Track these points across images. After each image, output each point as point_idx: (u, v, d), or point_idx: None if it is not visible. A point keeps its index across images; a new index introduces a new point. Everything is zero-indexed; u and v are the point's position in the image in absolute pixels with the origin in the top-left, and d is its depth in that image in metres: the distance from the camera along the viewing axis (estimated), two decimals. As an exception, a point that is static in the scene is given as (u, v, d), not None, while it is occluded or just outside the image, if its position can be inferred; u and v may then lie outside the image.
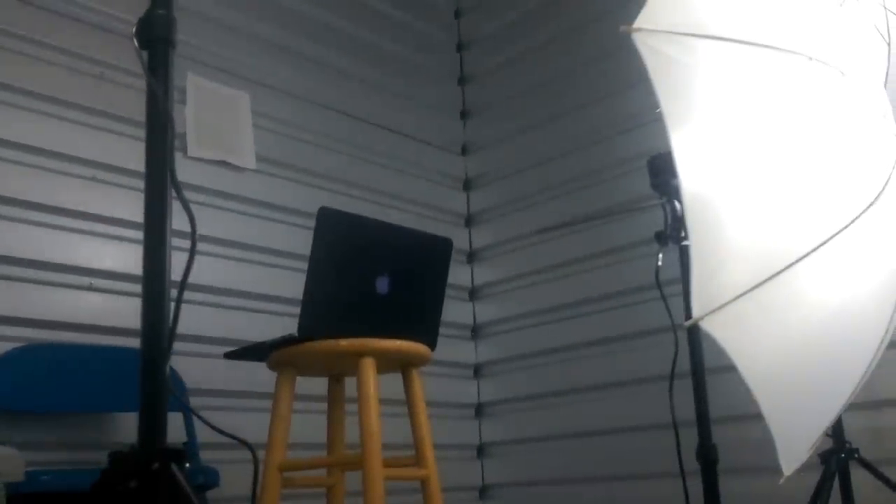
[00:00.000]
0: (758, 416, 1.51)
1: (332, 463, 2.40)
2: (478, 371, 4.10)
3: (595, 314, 3.65)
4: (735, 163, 1.69)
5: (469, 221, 4.25)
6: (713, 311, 1.46)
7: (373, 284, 2.22)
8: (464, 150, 4.33)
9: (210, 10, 3.38)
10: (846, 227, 1.73)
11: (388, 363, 2.31)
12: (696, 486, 2.04)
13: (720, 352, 1.60)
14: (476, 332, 4.13)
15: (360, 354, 2.16)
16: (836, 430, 2.22)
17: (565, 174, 3.84)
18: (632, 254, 3.49)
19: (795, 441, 1.50)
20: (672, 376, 1.82)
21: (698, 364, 1.81)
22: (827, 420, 1.56)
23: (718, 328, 1.48)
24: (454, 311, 4.01)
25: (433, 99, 4.25)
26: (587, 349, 3.67)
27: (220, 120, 3.29)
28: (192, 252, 1.34)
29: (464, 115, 4.37)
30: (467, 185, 4.28)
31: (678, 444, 1.76)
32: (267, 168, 3.41)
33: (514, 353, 3.95)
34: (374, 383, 2.16)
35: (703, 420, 1.75)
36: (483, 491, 3.98)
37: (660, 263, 1.89)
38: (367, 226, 2.23)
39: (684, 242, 1.96)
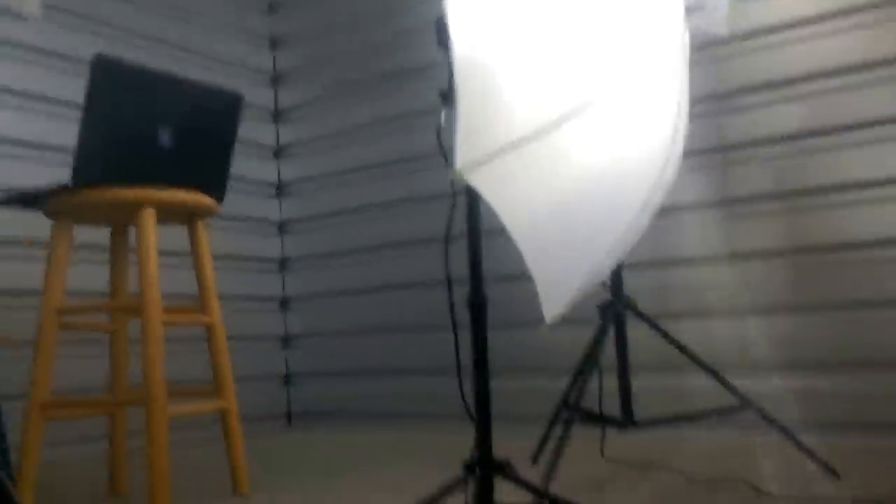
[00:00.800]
0: (528, 277, 1.63)
1: (112, 307, 2.45)
2: (282, 228, 4.18)
3: (388, 178, 3.78)
4: (510, 20, 1.76)
5: (276, 81, 4.25)
6: (478, 165, 1.54)
7: (154, 136, 2.23)
8: (270, 8, 4.27)
9: None
10: (615, 90, 1.83)
11: (173, 215, 2.35)
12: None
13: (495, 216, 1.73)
14: (281, 190, 4.20)
15: (139, 205, 2.19)
16: (615, 285, 2.39)
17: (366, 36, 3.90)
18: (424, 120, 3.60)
19: (556, 289, 1.58)
20: (447, 235, 1.91)
21: (474, 223, 1.90)
22: (587, 272, 1.63)
23: (483, 182, 1.57)
24: (259, 168, 4.08)
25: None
26: (384, 210, 3.81)
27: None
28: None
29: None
30: (273, 45, 4.26)
31: (450, 296, 1.87)
32: (52, 15, 3.29)
33: (318, 211, 4.07)
34: (152, 233, 2.20)
35: (475, 274, 1.86)
36: (286, 340, 4.14)
37: (443, 123, 1.94)
38: (148, 76, 2.22)
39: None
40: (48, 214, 2.28)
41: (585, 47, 1.87)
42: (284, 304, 4.15)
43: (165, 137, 2.25)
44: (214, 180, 2.42)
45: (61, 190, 2.15)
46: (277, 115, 4.23)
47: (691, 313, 3.00)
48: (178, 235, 2.46)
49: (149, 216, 2.19)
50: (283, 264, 4.18)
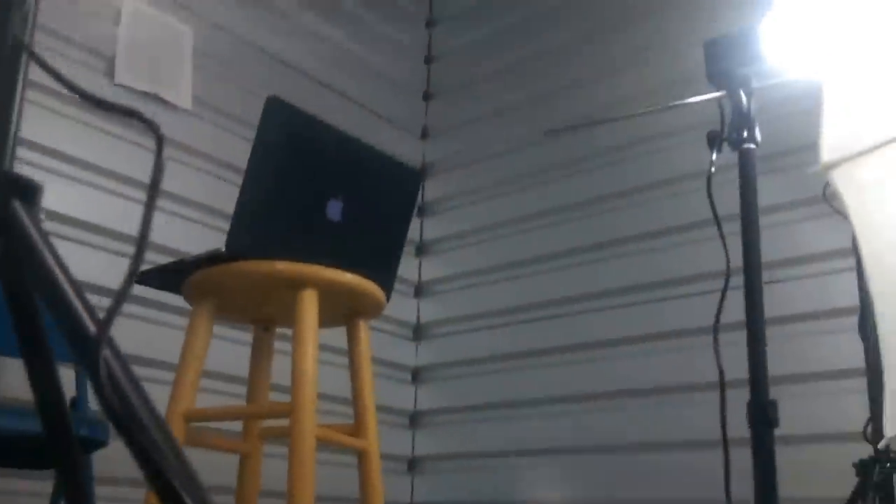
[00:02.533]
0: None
1: (252, 413, 1.99)
2: (417, 333, 3.68)
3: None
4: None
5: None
6: (849, 159, 1.11)
7: (323, 205, 1.83)
8: (423, 134, 3.96)
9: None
10: None
11: (333, 308, 1.91)
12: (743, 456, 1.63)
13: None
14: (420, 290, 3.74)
15: (300, 284, 1.77)
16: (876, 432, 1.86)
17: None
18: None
19: None
20: (717, 323, 1.49)
21: (755, 301, 1.48)
22: None
23: (850, 187, 1.14)
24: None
25: (396, 74, 3.88)
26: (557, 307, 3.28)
27: (156, 51, 2.89)
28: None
29: (427, 96, 4.01)
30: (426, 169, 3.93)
31: (723, 405, 1.42)
32: (202, 111, 3.01)
33: (461, 313, 3.56)
34: (314, 320, 1.76)
35: (757, 372, 1.40)
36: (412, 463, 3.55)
37: (713, 170, 1.54)
38: (326, 131, 1.83)
39: (746, 145, 1.57)
40: (188, 295, 1.87)
41: None
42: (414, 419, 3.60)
43: (335, 209, 1.85)
44: (382, 272, 1.99)
45: (212, 258, 1.74)
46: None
47: None
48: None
49: (310, 300, 1.76)
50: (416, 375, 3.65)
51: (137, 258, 0.71)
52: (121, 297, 0.69)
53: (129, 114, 0.80)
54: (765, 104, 1.73)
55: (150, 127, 0.78)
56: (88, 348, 0.70)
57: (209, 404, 2.16)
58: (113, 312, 0.69)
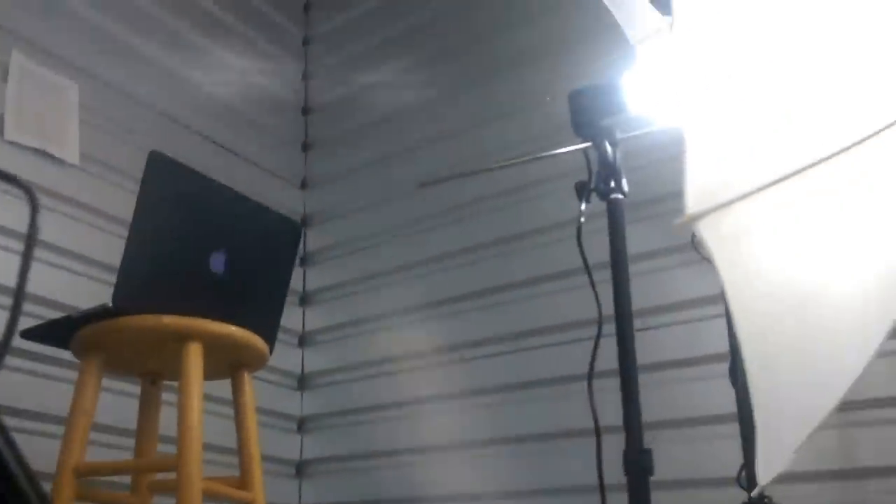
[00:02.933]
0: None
1: (140, 467, 2.03)
2: (302, 383, 3.72)
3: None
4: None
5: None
6: (714, 209, 1.15)
7: (207, 259, 1.90)
8: (303, 184, 4.02)
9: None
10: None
11: (218, 360, 1.97)
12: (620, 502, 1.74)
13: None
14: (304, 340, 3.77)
15: (186, 338, 1.83)
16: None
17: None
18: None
19: (782, 436, 1.16)
20: (591, 371, 1.54)
21: (627, 348, 1.51)
22: (816, 419, 1.15)
23: (716, 237, 1.17)
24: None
25: (275, 125, 3.95)
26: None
27: (44, 107, 2.91)
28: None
29: (306, 147, 4.08)
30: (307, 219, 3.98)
31: (599, 451, 1.47)
32: (90, 166, 3.03)
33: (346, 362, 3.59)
34: (199, 373, 1.82)
35: (631, 421, 1.44)
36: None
37: (582, 220, 1.59)
38: (208, 185, 1.91)
39: (613, 195, 1.61)
40: (76, 350, 1.91)
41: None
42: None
43: (218, 262, 1.92)
44: (265, 324, 2.06)
45: (99, 314, 1.79)
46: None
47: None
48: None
49: (195, 353, 1.83)
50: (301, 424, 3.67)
51: (14, 314, 0.77)
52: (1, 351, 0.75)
53: (7, 179, 0.87)
54: (632, 151, 1.78)
55: (28, 192, 0.85)
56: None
57: (100, 457, 2.18)
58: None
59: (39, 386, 2.62)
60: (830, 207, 1.34)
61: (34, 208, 0.81)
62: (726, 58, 1.41)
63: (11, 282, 2.64)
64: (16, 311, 0.76)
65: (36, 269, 2.65)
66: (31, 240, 0.79)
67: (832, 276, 1.32)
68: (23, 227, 2.73)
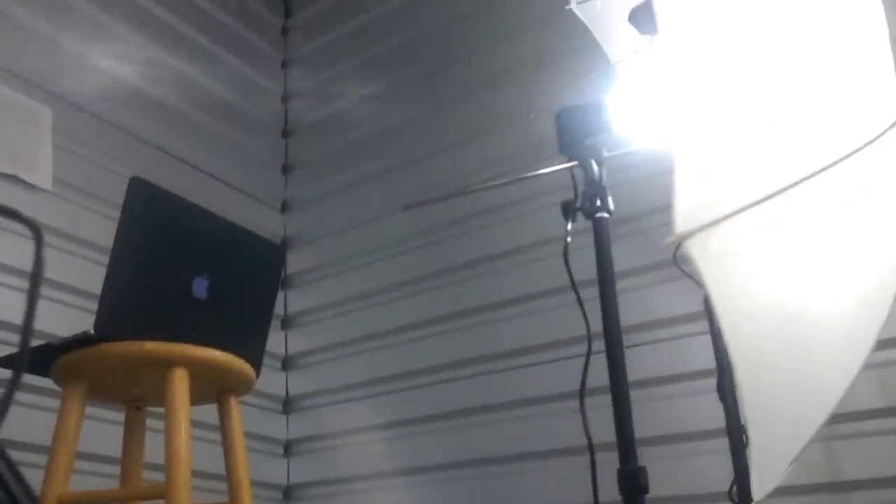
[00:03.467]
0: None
1: (127, 496, 2.00)
2: (287, 406, 3.70)
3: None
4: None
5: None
6: (701, 228, 1.14)
7: (189, 284, 1.89)
8: (284, 207, 4.01)
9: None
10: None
11: (203, 386, 1.95)
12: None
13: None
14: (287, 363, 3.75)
15: (170, 364, 1.81)
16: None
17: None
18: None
19: (775, 452, 1.17)
20: (583, 387, 1.53)
21: (619, 370, 1.51)
22: (807, 434, 1.19)
23: (705, 256, 1.14)
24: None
25: (255, 148, 3.94)
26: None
27: (15, 131, 2.89)
28: None
29: (286, 169, 4.07)
30: (288, 242, 3.97)
31: (593, 468, 1.45)
32: (63, 192, 3.00)
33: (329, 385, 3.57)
34: (185, 399, 1.80)
35: (625, 441, 1.44)
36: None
37: (569, 240, 1.58)
38: (188, 210, 1.90)
39: (599, 214, 1.61)
40: (57, 378, 1.88)
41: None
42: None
43: (201, 287, 1.90)
44: (251, 348, 2.05)
45: (80, 341, 1.77)
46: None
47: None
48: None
49: (180, 378, 1.81)
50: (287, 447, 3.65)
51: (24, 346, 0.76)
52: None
53: (9, 214, 0.86)
54: (617, 168, 1.77)
55: (30, 226, 0.83)
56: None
57: (85, 486, 2.16)
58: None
59: (20, 414, 2.58)
60: (810, 226, 1.35)
61: (39, 243, 0.80)
62: (708, 72, 1.41)
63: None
64: (25, 345, 0.75)
65: (7, 296, 2.63)
66: (36, 277, 0.78)
67: (814, 295, 1.34)
68: (12, 259, 2.69)
